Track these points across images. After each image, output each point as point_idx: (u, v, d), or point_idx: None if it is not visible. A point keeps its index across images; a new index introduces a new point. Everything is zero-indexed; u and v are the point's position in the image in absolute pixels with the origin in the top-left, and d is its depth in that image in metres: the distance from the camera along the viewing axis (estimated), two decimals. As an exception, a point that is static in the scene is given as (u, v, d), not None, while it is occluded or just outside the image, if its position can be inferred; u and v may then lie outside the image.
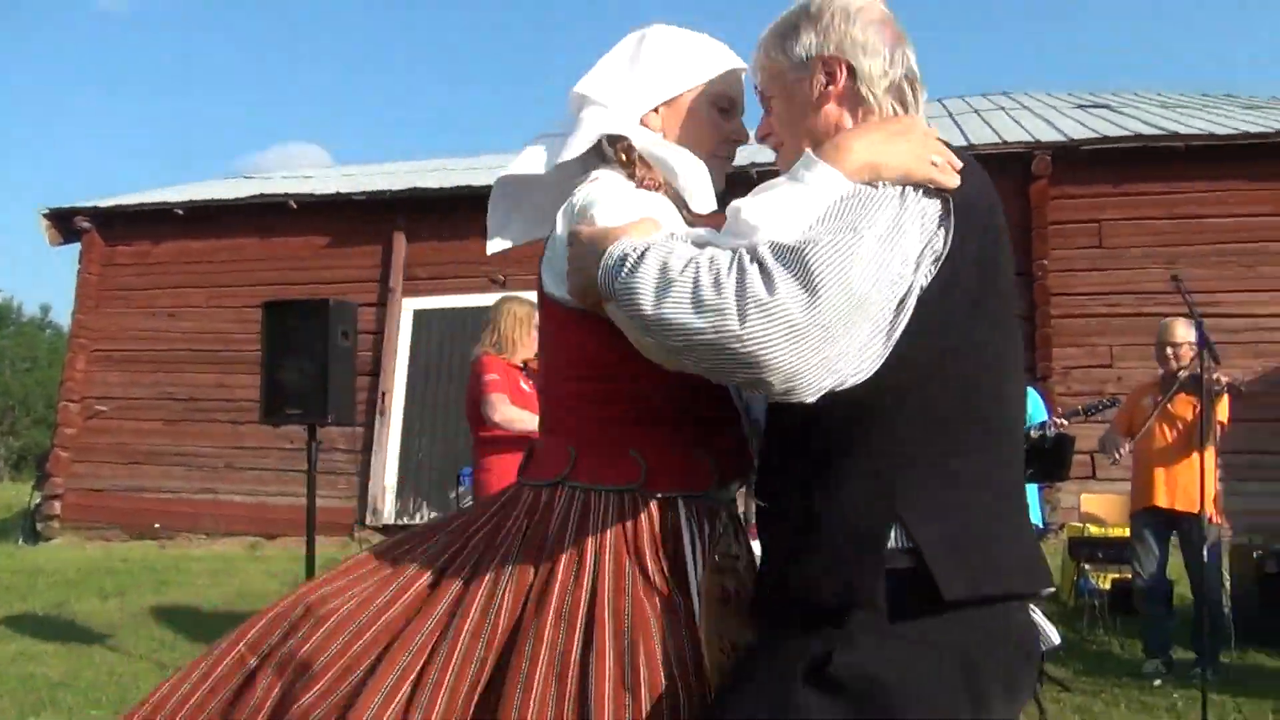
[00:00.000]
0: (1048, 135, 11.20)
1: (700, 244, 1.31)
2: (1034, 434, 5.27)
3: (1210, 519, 5.12)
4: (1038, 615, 1.50)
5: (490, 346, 4.91)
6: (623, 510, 1.52)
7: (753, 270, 1.21)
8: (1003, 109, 14.01)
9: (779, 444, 1.53)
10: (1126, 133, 10.95)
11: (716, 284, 1.21)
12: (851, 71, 1.49)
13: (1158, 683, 5.30)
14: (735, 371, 1.23)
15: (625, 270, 1.27)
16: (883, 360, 1.27)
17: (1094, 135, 10.96)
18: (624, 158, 1.63)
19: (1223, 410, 5.52)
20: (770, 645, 1.42)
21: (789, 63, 1.53)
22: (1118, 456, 5.69)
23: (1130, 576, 6.03)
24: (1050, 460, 5.20)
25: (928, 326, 1.30)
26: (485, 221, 1.75)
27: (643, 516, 1.52)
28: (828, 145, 1.37)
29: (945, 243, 1.32)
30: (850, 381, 1.25)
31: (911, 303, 1.28)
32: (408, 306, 11.84)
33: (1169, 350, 5.62)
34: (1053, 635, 1.50)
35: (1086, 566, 6.86)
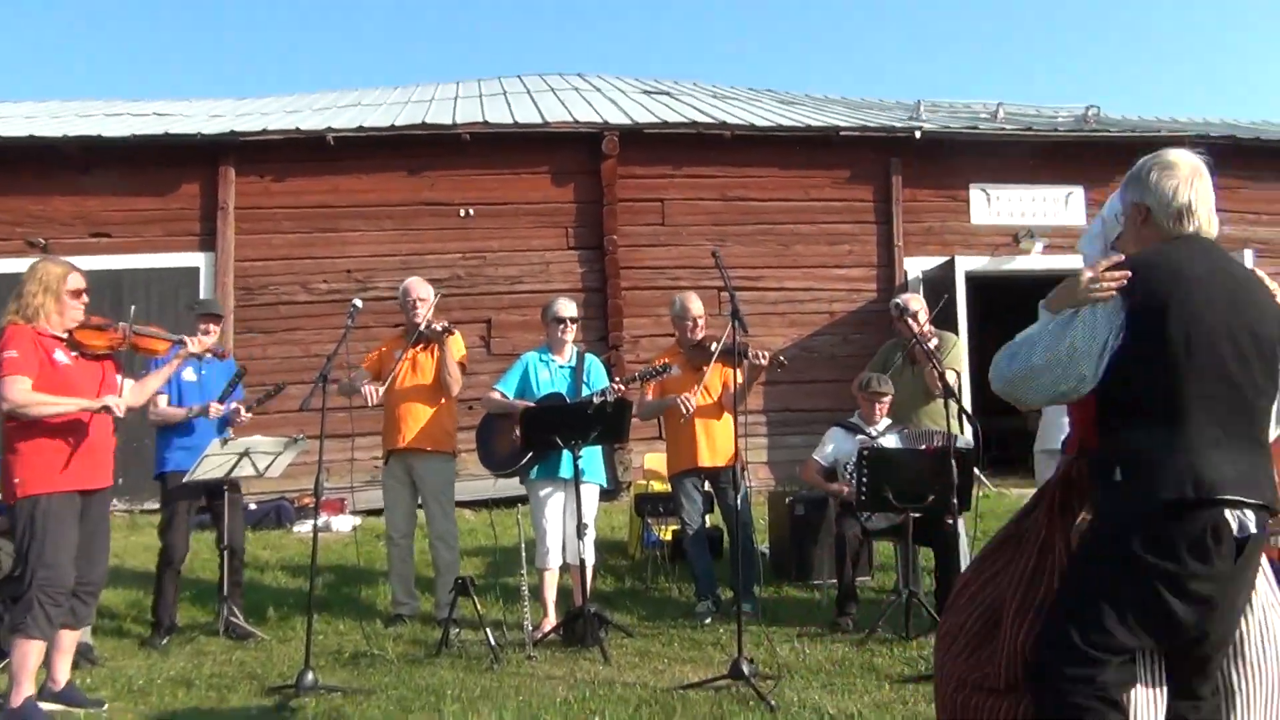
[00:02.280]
0: (615, 117, 11.86)
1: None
2: (595, 399, 5.60)
3: (743, 469, 5.68)
4: None
5: (15, 314, 4.34)
6: None
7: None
8: (576, 89, 14.63)
9: None
10: (683, 119, 11.85)
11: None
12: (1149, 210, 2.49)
13: (708, 621, 5.85)
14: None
15: None
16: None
17: (656, 120, 11.76)
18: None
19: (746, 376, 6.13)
20: None
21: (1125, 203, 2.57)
22: (686, 412, 6.03)
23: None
24: (612, 423, 5.54)
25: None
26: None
27: None
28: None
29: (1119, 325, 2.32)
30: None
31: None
32: (-76, 274, 10.24)
33: (689, 322, 6.23)
34: None
35: (650, 520, 7.36)
